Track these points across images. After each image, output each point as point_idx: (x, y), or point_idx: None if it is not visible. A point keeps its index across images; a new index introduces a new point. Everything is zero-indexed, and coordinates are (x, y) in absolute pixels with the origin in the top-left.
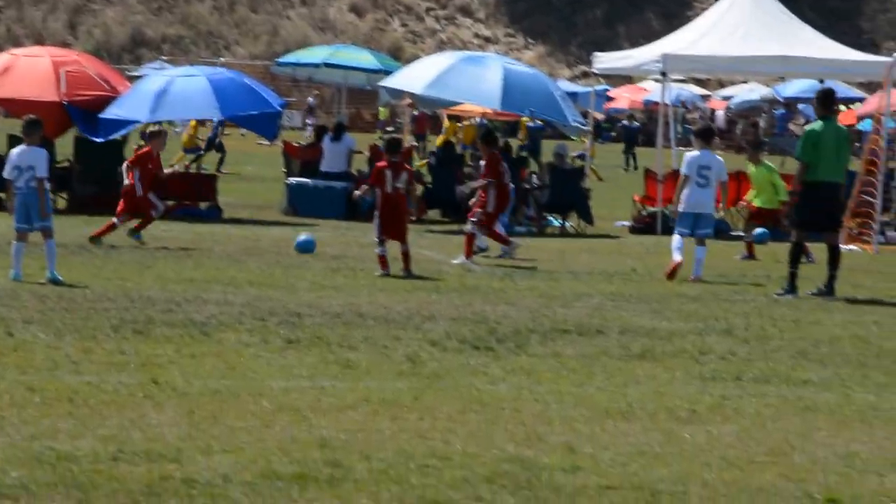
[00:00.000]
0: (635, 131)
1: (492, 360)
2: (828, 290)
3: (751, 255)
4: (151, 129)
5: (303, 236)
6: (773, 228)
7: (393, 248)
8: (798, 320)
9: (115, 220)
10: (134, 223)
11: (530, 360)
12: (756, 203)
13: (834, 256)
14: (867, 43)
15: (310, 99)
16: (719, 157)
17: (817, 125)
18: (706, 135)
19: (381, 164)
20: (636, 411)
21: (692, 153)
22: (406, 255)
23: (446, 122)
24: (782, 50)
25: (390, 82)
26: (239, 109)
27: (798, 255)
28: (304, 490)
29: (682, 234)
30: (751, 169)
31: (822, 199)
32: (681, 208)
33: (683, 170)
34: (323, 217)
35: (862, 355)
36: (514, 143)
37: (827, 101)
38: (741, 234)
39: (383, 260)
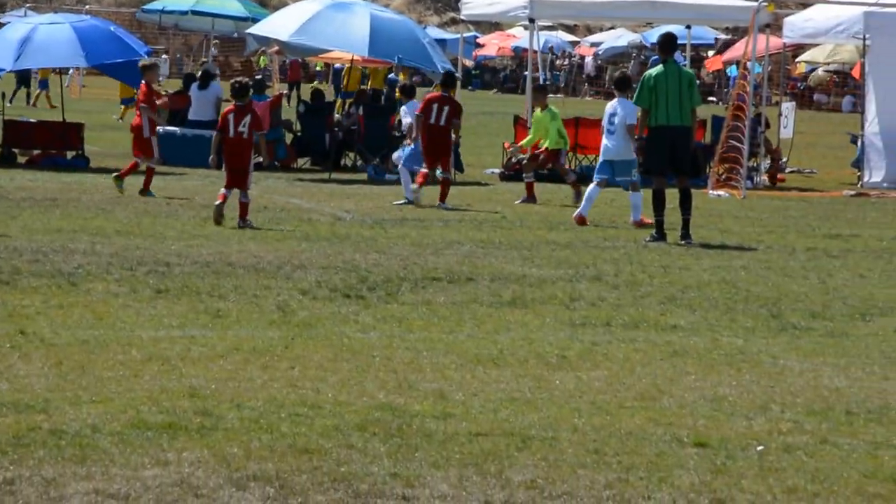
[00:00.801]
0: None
1: (362, 308)
2: (683, 234)
3: (531, 198)
4: (143, 62)
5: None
6: (552, 170)
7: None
8: (667, 266)
9: (136, 160)
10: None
11: (401, 308)
12: (547, 146)
13: (684, 199)
14: None
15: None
16: (628, 102)
17: (655, 70)
18: (619, 84)
19: (227, 109)
20: (507, 358)
21: (610, 102)
22: (243, 206)
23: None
24: None
25: (257, 30)
26: (104, 58)
27: (660, 202)
28: (174, 439)
29: (597, 183)
30: (536, 113)
31: (665, 143)
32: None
33: (604, 121)
34: (192, 166)
35: (730, 300)
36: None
37: (666, 46)
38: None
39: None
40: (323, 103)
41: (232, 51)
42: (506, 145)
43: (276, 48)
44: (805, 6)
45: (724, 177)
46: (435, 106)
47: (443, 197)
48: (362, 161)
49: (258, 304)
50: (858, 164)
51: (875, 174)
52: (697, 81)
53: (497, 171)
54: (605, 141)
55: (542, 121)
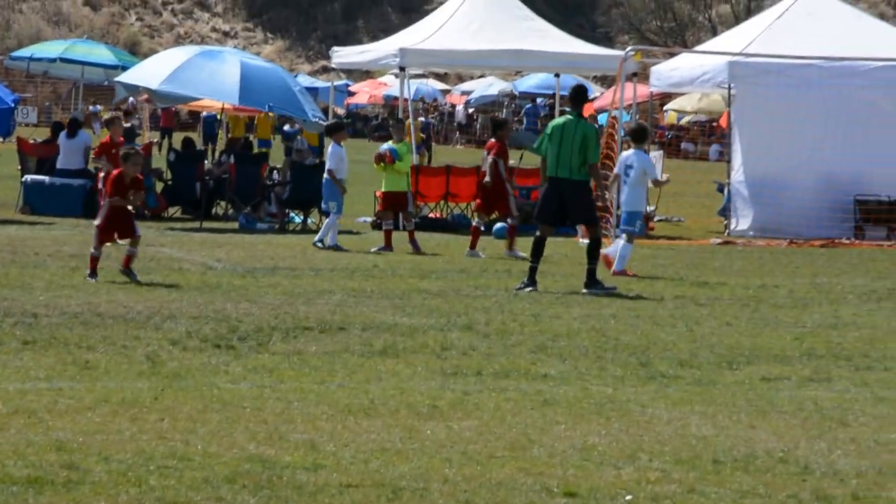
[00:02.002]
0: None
1: (233, 358)
2: (587, 283)
3: (388, 247)
4: (106, 116)
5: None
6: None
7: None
8: (538, 315)
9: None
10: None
11: (272, 357)
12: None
13: (589, 248)
14: (602, 37)
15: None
16: (644, 154)
17: (557, 120)
18: (636, 135)
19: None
20: (378, 408)
21: (625, 153)
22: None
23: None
24: (518, 44)
25: (126, 78)
26: None
27: (539, 249)
28: (40, 494)
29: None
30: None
31: (553, 193)
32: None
33: (615, 169)
34: (60, 215)
35: (599, 348)
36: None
37: (572, 98)
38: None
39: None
40: (194, 151)
41: (102, 99)
42: (378, 193)
43: (146, 96)
44: (671, 55)
45: None
46: (487, 154)
47: (510, 245)
48: (233, 210)
49: (127, 355)
50: (725, 212)
51: (742, 222)
52: (592, 134)
53: (369, 219)
54: (622, 192)
55: (400, 150)
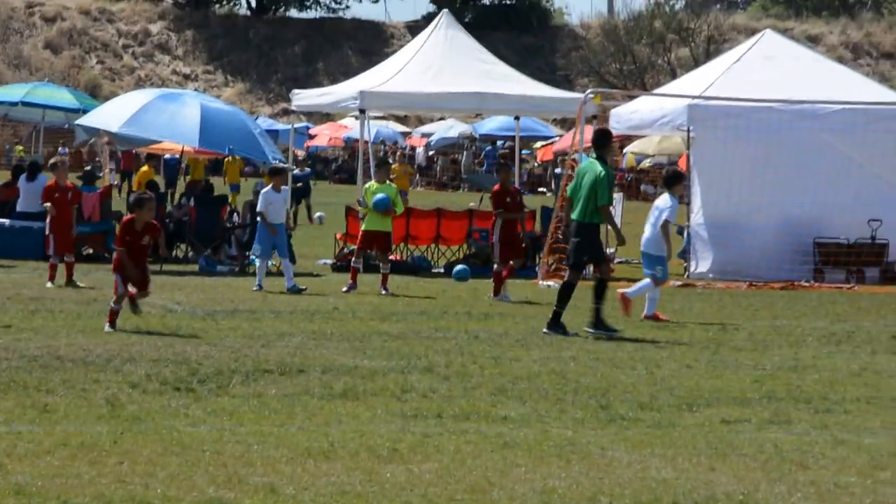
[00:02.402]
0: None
1: (193, 401)
2: (593, 322)
3: (356, 285)
4: (52, 159)
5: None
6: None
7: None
8: (498, 357)
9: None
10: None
11: (232, 400)
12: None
13: (596, 288)
14: (562, 80)
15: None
16: (669, 199)
17: (582, 163)
18: (668, 180)
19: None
20: (338, 451)
21: (659, 198)
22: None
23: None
24: (478, 87)
25: (86, 120)
26: None
27: (568, 293)
28: None
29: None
30: (372, 185)
31: (575, 235)
32: None
33: (658, 215)
34: (20, 258)
35: (559, 391)
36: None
37: (593, 140)
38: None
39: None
40: (155, 194)
41: (63, 141)
42: (338, 236)
43: (107, 139)
44: (631, 98)
45: (553, 267)
46: (509, 198)
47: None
48: (193, 252)
49: (87, 399)
50: (685, 254)
51: (701, 264)
52: (601, 177)
53: (329, 261)
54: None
55: (385, 191)
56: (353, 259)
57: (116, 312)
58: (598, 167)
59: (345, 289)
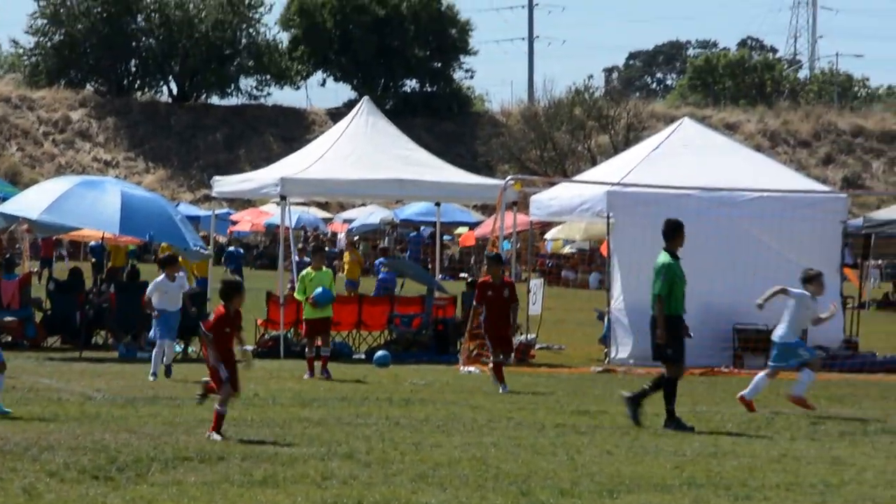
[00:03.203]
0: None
1: (111, 489)
2: (667, 422)
3: (323, 370)
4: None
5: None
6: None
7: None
8: (419, 443)
9: None
10: None
11: (151, 489)
12: (311, 315)
13: (664, 388)
14: (482, 166)
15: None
16: (806, 296)
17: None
18: (806, 279)
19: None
20: None
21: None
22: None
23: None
24: (399, 173)
25: (6, 208)
26: None
27: (674, 391)
28: None
29: (767, 373)
30: (308, 272)
31: (652, 329)
32: None
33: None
34: None
35: (480, 477)
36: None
37: (662, 232)
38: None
39: None
40: (75, 281)
41: None
42: (259, 322)
43: (26, 226)
44: (551, 185)
45: (474, 353)
46: (490, 291)
47: (502, 378)
48: (113, 339)
49: (3, 488)
50: (605, 340)
51: (622, 350)
52: (660, 267)
53: (250, 347)
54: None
55: (320, 279)
56: (306, 350)
57: (223, 416)
58: (660, 258)
59: (306, 377)
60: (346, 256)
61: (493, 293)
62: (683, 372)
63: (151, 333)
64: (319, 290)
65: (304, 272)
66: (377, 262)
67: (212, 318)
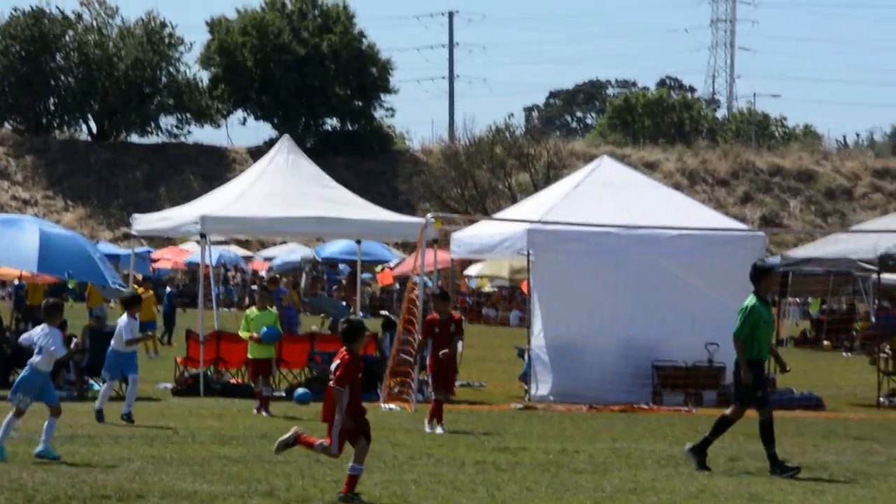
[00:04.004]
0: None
1: None
2: (772, 467)
3: (264, 408)
4: None
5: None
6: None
7: None
8: (339, 480)
9: None
10: None
11: None
12: (254, 355)
13: (762, 432)
14: (403, 204)
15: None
16: None
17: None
18: None
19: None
20: None
21: None
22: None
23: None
24: (319, 211)
25: None
26: None
27: (772, 434)
28: None
29: None
30: (252, 311)
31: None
32: None
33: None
34: None
35: None
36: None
37: (753, 277)
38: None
39: None
40: None
41: None
42: (179, 360)
43: None
44: (472, 222)
45: (395, 390)
46: (437, 328)
47: (441, 419)
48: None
49: None
50: (526, 377)
51: (542, 387)
52: (743, 309)
53: (169, 385)
54: None
55: (263, 319)
56: (254, 386)
57: (358, 476)
58: (746, 301)
59: (256, 411)
60: (286, 298)
61: (439, 330)
62: (740, 417)
63: (103, 372)
64: (265, 329)
65: (248, 311)
66: (278, 291)
67: (337, 368)
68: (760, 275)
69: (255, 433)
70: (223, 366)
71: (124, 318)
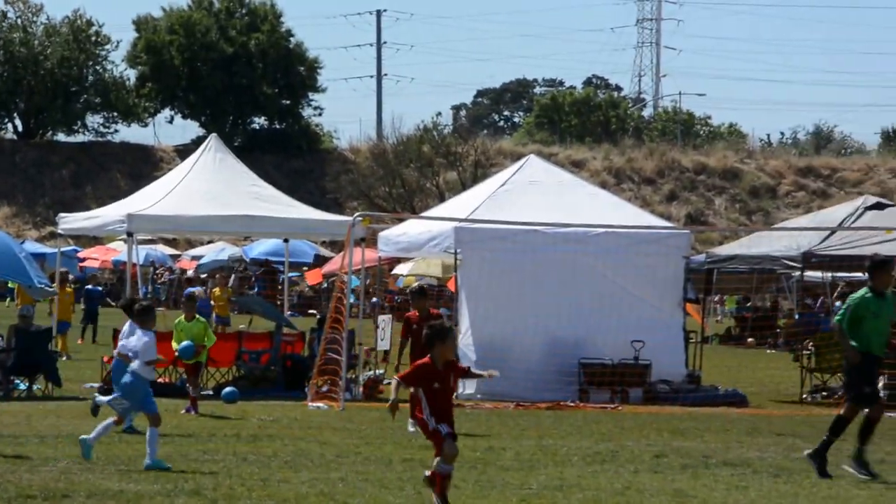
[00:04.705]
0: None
1: None
2: (814, 452)
3: (194, 409)
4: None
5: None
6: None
7: None
8: (266, 479)
9: None
10: None
11: None
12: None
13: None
14: (331, 203)
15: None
16: None
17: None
18: None
19: None
20: None
21: None
22: None
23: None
24: (247, 210)
25: None
26: None
27: (843, 429)
28: None
29: None
30: (181, 321)
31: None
32: None
33: None
34: None
35: None
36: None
37: (869, 270)
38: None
39: None
40: None
41: None
42: (105, 359)
43: None
44: (399, 221)
45: (323, 389)
46: (416, 326)
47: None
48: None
49: None
50: None
51: (469, 385)
52: (853, 303)
53: (96, 385)
54: None
55: (191, 329)
56: (188, 386)
57: (448, 477)
58: (859, 292)
59: (183, 411)
60: (217, 292)
61: (418, 328)
62: (856, 415)
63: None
64: (184, 343)
65: (177, 321)
66: (186, 291)
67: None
68: (873, 268)
69: (182, 432)
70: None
71: (139, 333)
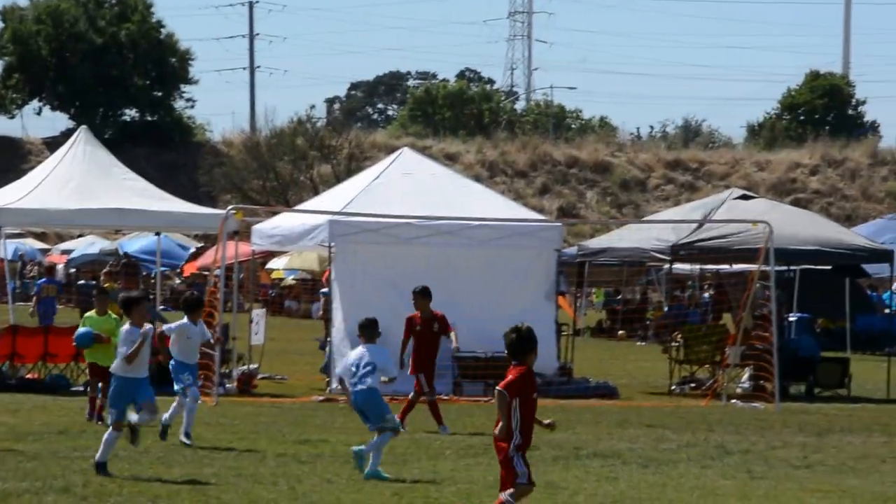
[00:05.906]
0: None
1: None
2: None
3: (97, 415)
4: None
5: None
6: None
7: None
8: (137, 475)
9: None
10: None
11: None
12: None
13: None
14: (204, 196)
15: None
16: None
17: None
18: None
19: None
20: None
21: None
22: None
23: None
24: (118, 203)
25: None
26: None
27: None
28: None
29: None
30: (92, 315)
31: None
32: None
33: None
34: None
35: None
36: None
37: None
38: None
39: None
40: None
41: None
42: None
43: None
44: (273, 214)
45: (199, 384)
46: (419, 326)
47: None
48: None
49: None
50: (327, 369)
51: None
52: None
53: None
54: None
55: (101, 325)
56: (89, 390)
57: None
58: None
59: (89, 418)
60: (107, 284)
61: (421, 327)
62: None
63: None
64: (82, 329)
65: (87, 314)
66: (38, 282)
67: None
68: None
69: (52, 429)
70: (19, 361)
71: (185, 321)
